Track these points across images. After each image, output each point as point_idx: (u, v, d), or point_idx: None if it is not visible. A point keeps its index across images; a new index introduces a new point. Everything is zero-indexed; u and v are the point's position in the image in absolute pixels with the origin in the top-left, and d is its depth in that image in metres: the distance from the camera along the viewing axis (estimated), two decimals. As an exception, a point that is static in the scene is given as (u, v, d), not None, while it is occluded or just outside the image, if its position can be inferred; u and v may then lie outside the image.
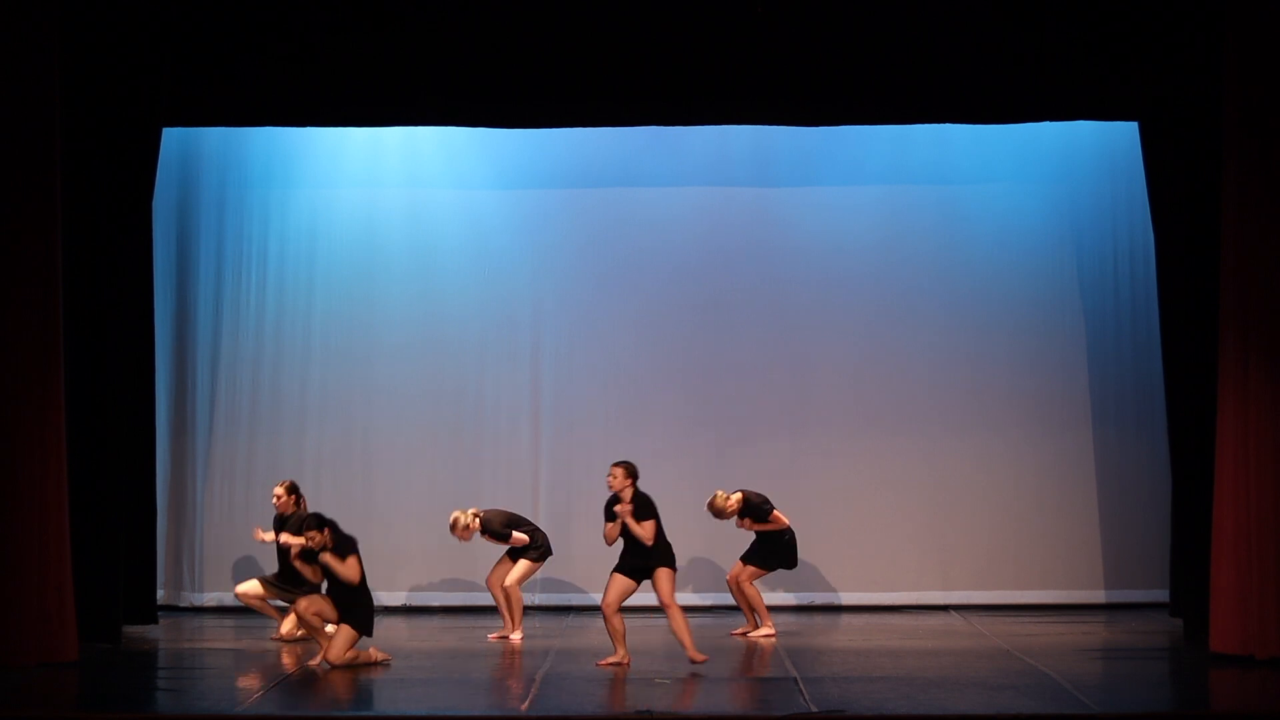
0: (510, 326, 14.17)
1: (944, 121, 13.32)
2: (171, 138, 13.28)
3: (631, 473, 11.26)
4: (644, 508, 11.13)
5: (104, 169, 12.07)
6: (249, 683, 10.65)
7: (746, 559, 12.66)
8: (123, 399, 12.28)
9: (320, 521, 11.12)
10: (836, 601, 13.98)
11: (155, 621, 12.72)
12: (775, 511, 12.60)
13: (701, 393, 14.06)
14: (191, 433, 14.07)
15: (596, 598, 13.91)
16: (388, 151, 14.22)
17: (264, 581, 12.48)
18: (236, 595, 12.62)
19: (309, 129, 13.79)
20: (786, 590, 14.04)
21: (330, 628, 11.19)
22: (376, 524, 13.91)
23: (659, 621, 13.46)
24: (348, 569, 11.02)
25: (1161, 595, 13.45)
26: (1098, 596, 13.97)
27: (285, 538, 12.02)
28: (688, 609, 13.81)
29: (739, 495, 12.61)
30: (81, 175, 11.88)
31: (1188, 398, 12.12)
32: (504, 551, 12.50)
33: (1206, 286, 11.69)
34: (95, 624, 11.77)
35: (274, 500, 12.43)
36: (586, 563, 13.98)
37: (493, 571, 12.48)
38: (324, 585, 11.43)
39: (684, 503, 13.73)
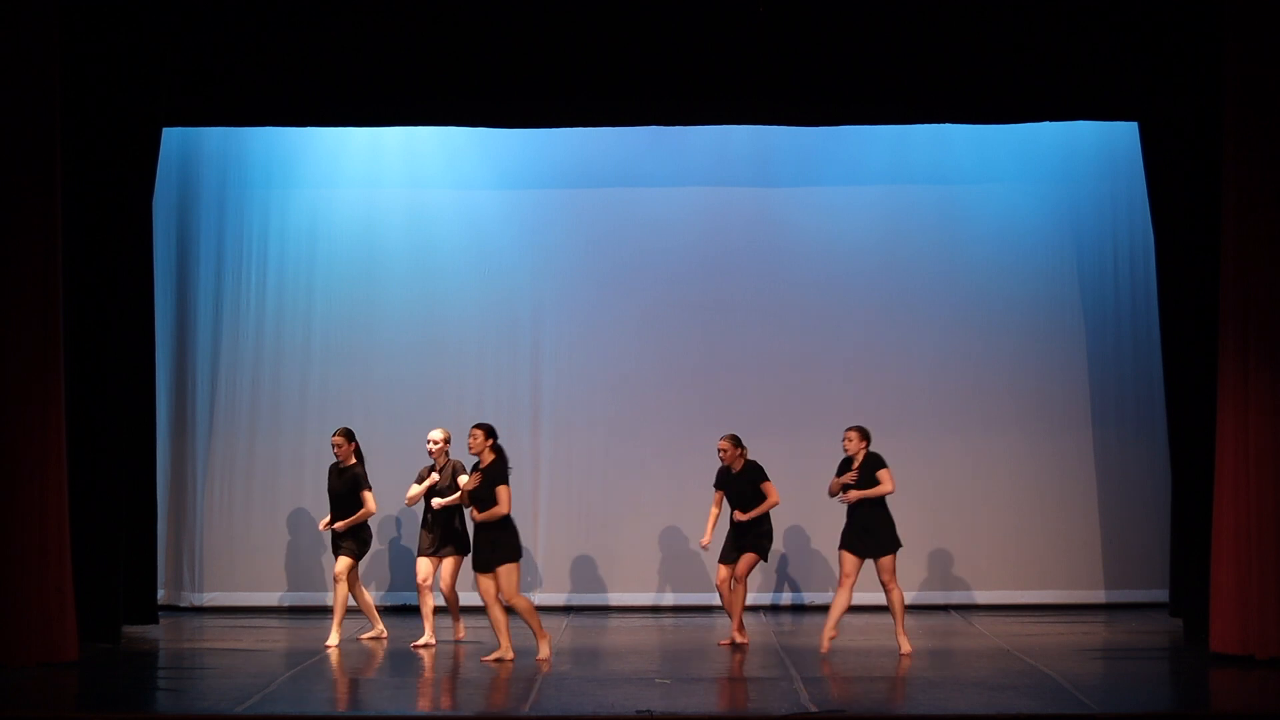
0: (510, 326, 14.18)
1: (944, 121, 13.32)
2: (171, 138, 13.29)
3: None
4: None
5: (104, 169, 12.08)
6: (249, 683, 10.64)
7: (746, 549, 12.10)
8: (123, 399, 12.28)
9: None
10: (836, 601, 13.98)
11: (155, 621, 12.73)
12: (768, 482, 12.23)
13: (701, 393, 14.06)
14: (191, 433, 14.08)
15: (594, 598, 13.96)
16: (388, 151, 14.23)
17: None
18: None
19: (309, 129, 13.80)
20: (787, 590, 14.05)
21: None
22: (379, 525, 13.92)
23: (658, 621, 13.47)
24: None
25: (1161, 595, 13.46)
26: (1098, 596, 13.97)
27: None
28: (703, 608, 13.85)
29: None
30: (81, 175, 11.89)
31: (1188, 398, 12.13)
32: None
33: (1206, 286, 11.69)
34: (95, 624, 11.78)
35: (333, 448, 12.31)
36: (586, 563, 13.99)
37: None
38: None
39: (683, 502, 13.74)
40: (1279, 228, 11.10)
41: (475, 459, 11.37)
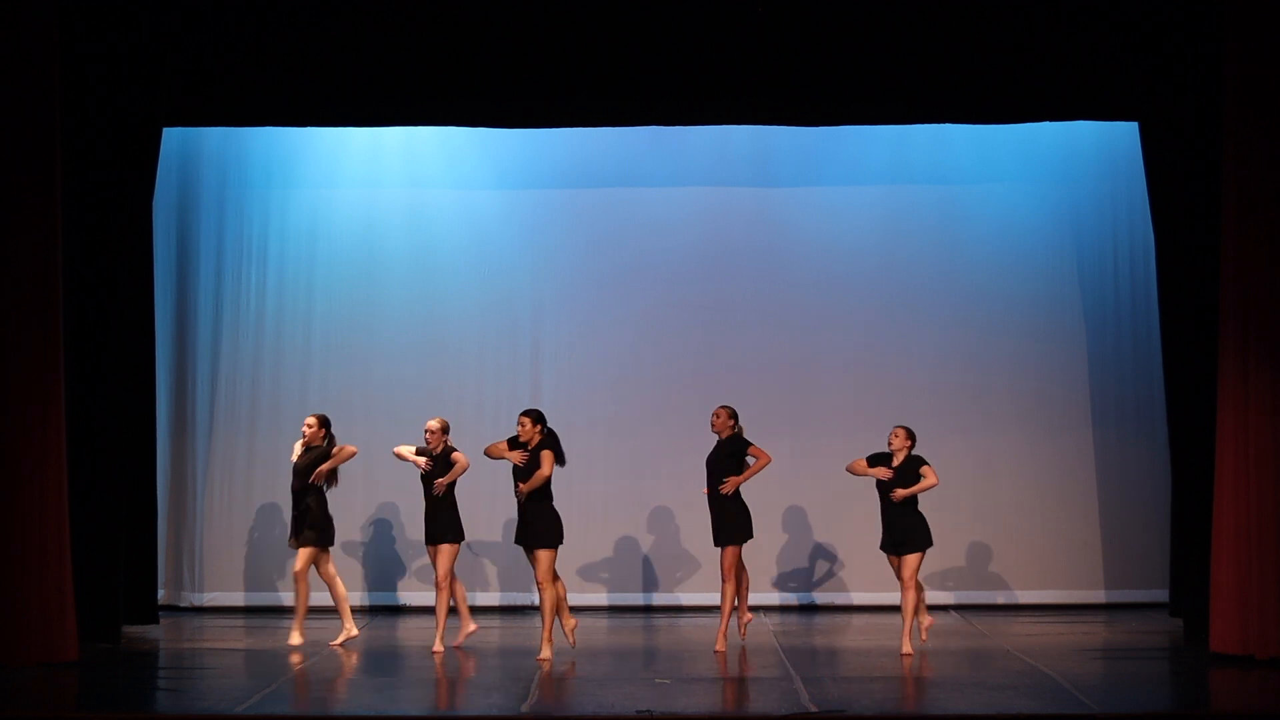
0: (510, 326, 14.18)
1: (944, 121, 13.32)
2: (171, 138, 13.28)
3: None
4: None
5: (104, 169, 12.08)
6: (249, 683, 10.65)
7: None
8: (123, 399, 12.28)
9: None
10: (837, 601, 13.99)
11: (155, 621, 12.73)
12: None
13: (701, 393, 14.02)
14: (191, 433, 14.07)
15: (595, 598, 13.94)
16: (388, 151, 14.22)
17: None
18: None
19: (309, 129, 13.80)
20: (787, 590, 14.05)
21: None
22: (376, 524, 13.94)
23: (657, 621, 13.47)
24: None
25: (1161, 595, 13.47)
26: (1098, 596, 13.97)
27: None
28: (702, 609, 13.85)
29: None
30: (81, 175, 11.89)
31: (1188, 397, 12.13)
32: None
33: (1206, 286, 11.70)
34: (95, 624, 11.78)
35: (304, 428, 12.19)
36: (586, 563, 13.98)
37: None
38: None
39: (684, 502, 13.73)
40: (1279, 228, 11.11)
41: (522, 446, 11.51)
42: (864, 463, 11.77)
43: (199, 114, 12.82)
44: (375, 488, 13.92)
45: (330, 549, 12.12)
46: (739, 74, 12.27)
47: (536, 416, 11.49)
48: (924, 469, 11.59)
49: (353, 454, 12.13)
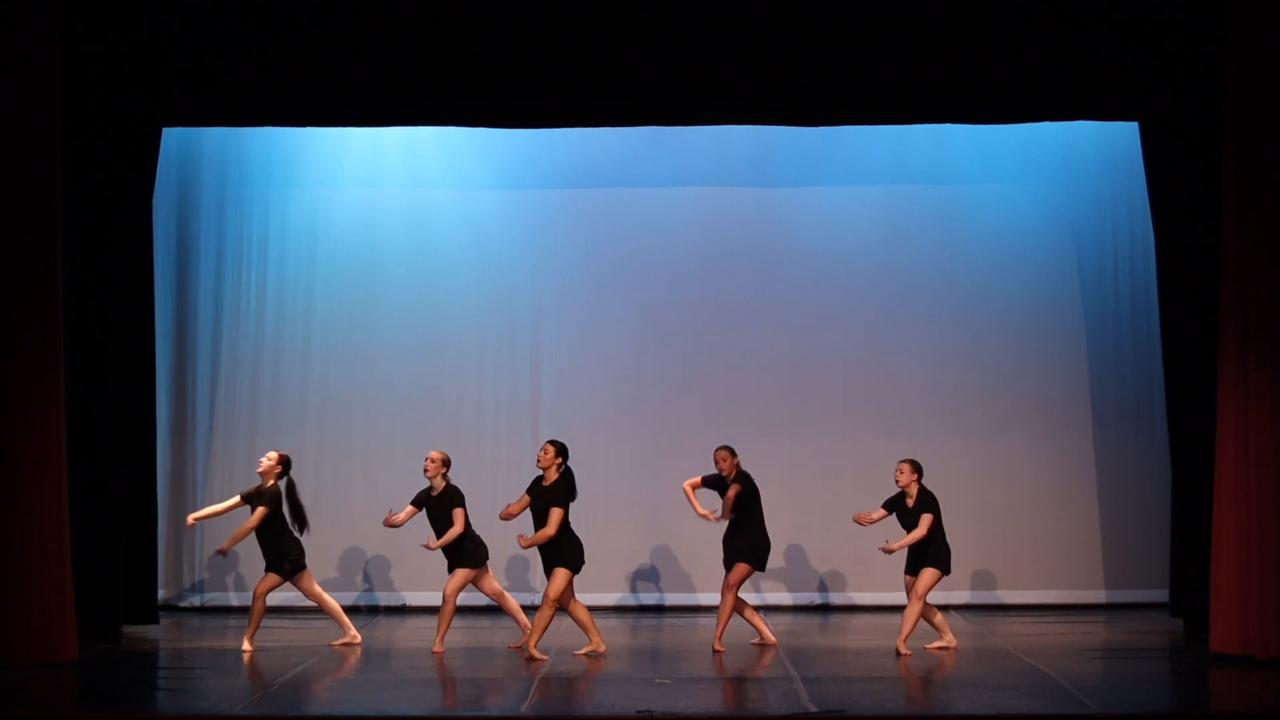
0: (510, 326, 14.18)
1: (944, 121, 13.32)
2: (171, 138, 13.29)
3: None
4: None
5: (104, 169, 12.08)
6: (249, 683, 10.65)
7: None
8: (123, 399, 12.28)
9: None
10: (837, 601, 13.99)
11: (155, 621, 12.73)
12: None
13: (701, 393, 14.06)
14: (191, 433, 14.07)
15: (594, 598, 13.94)
16: (388, 151, 14.23)
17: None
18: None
19: (309, 129, 13.80)
20: (787, 590, 14.05)
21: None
22: (376, 524, 13.91)
23: (657, 621, 13.47)
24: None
25: (1161, 595, 13.47)
26: (1098, 596, 13.97)
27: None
28: (702, 609, 13.86)
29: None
30: (81, 175, 11.89)
31: (1188, 397, 12.14)
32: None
33: (1206, 286, 11.70)
34: (95, 624, 11.78)
35: (263, 459, 11.83)
36: (586, 563, 13.96)
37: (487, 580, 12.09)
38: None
39: (683, 503, 13.72)
40: (1279, 228, 11.11)
41: (539, 474, 11.46)
42: (871, 515, 11.77)
43: (199, 114, 12.82)
44: (375, 488, 13.91)
45: (304, 569, 11.83)
46: (739, 74, 12.27)
47: (560, 448, 11.42)
48: (924, 517, 11.51)
49: (250, 529, 11.69)
